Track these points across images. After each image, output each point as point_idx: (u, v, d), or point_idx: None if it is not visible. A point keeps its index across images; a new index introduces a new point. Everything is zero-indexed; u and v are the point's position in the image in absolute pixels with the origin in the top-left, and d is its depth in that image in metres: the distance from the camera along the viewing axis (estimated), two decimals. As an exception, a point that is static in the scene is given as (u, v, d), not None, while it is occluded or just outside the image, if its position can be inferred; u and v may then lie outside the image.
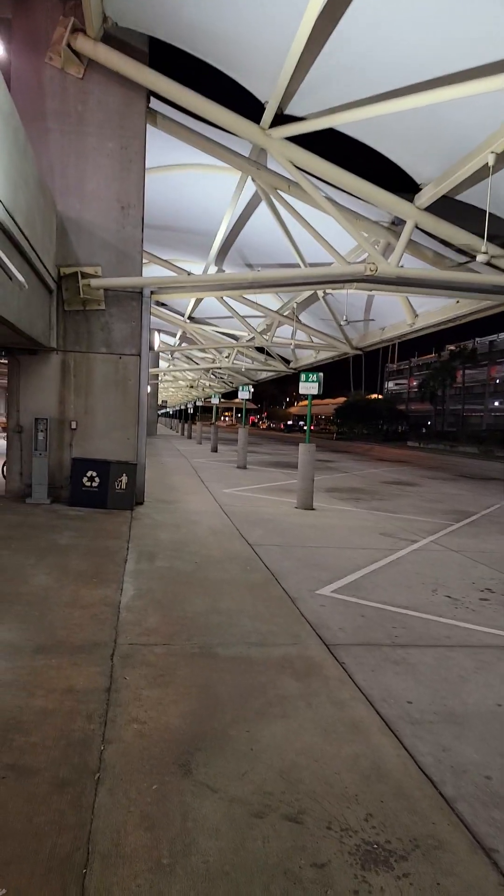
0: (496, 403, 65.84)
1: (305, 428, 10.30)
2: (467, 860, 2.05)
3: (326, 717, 2.98)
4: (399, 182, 9.73)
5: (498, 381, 66.22)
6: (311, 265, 11.21)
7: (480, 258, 8.84)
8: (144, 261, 11.92)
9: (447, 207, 9.79)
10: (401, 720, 3.00)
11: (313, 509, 9.67)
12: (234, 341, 20.09)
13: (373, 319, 15.66)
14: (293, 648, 3.84)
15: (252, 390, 18.15)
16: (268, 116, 8.32)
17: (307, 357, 21.75)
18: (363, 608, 4.76)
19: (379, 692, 3.29)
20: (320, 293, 14.90)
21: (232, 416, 74.68)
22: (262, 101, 8.43)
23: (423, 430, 57.01)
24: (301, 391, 9.53)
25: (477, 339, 65.10)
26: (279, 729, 2.84)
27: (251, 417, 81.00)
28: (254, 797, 2.32)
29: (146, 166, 8.74)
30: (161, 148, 9.99)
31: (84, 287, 8.04)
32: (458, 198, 9.58)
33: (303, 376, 9.55)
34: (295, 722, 2.91)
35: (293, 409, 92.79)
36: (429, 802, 2.35)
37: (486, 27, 6.27)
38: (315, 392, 9.44)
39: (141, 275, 8.86)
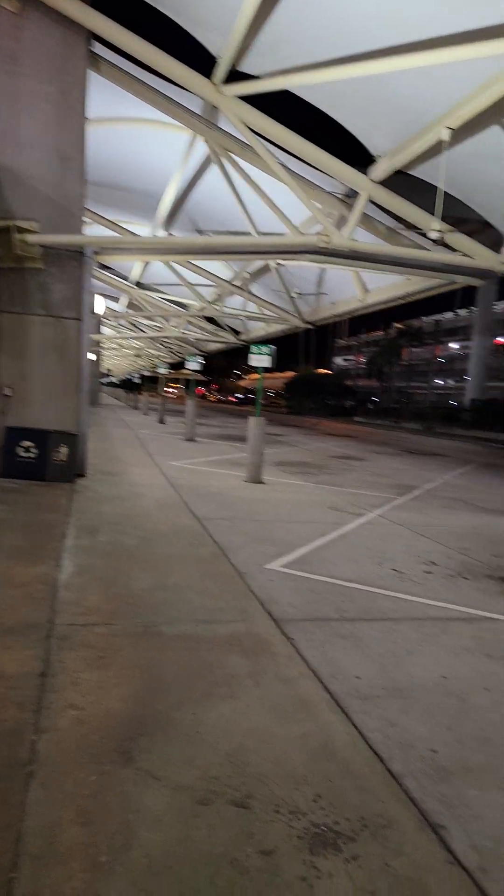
0: (438, 381, 67.63)
1: (256, 401, 10.17)
2: (416, 839, 2.02)
3: (275, 695, 2.91)
4: (355, 154, 9.58)
5: (442, 361, 67.93)
6: (263, 235, 10.96)
7: (432, 235, 8.83)
8: (87, 220, 11.37)
9: (402, 183, 9.71)
10: (349, 696, 2.96)
11: (262, 483, 9.62)
12: (182, 310, 19.62)
13: (325, 293, 15.56)
14: (241, 625, 3.75)
15: (202, 361, 17.81)
16: (221, 72, 7.94)
17: (258, 329, 21.54)
18: (312, 582, 4.72)
19: (328, 668, 3.25)
20: (272, 264, 14.66)
21: (181, 387, 73.84)
22: (215, 56, 8.04)
23: (370, 406, 57.99)
24: (252, 363, 9.37)
25: (423, 318, 66.36)
26: (226, 710, 2.75)
27: (199, 389, 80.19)
28: (199, 783, 2.22)
29: (90, 117, 8.21)
30: (107, 101, 9.43)
31: (19, 243, 7.53)
32: (414, 174, 9.52)
33: (253, 348, 9.38)
34: (243, 702, 2.83)
35: (243, 382, 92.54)
36: (377, 780, 2.32)
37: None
38: (266, 365, 9.29)
39: (82, 233, 8.40)
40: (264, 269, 15.65)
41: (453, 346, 65.41)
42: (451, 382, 65.35)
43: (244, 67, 8.16)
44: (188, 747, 2.43)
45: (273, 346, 9.52)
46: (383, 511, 8.15)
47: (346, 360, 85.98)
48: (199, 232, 14.49)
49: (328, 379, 64.87)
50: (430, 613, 4.26)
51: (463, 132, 7.91)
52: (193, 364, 17.53)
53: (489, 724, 2.80)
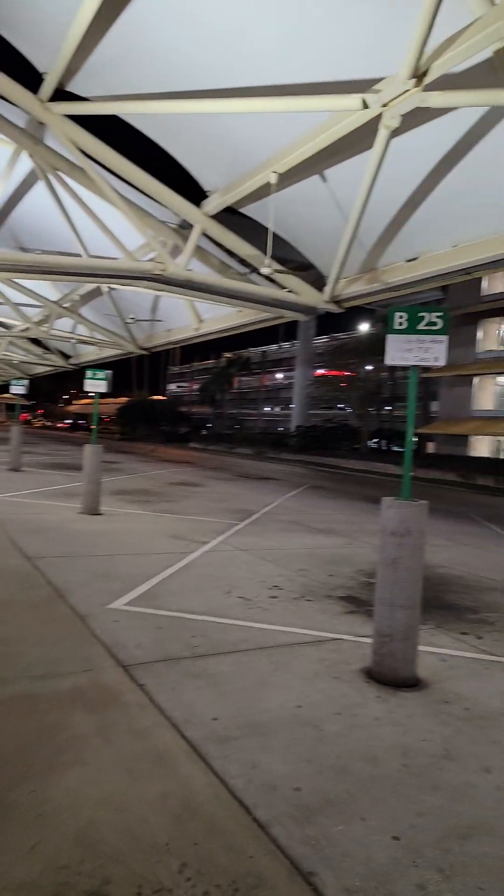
0: (267, 408, 71.20)
1: (92, 427, 9.70)
2: (288, 892, 1.93)
3: (128, 753, 2.66)
4: (190, 187, 9.74)
5: (269, 389, 71.73)
6: (95, 258, 10.63)
7: (264, 271, 9.27)
8: None
9: (236, 221, 10.09)
10: (208, 741, 2.82)
11: (100, 514, 9.14)
12: (4, 330, 18.26)
13: (160, 320, 15.52)
14: (85, 676, 3.42)
15: (27, 385, 16.67)
16: (47, 88, 7.58)
17: (90, 353, 20.78)
18: (159, 619, 4.51)
19: (182, 713, 3.07)
20: (105, 288, 14.27)
21: (2, 412, 68.55)
22: (42, 73, 7.69)
23: (204, 432, 58.96)
24: (87, 388, 8.93)
25: (251, 348, 69.68)
26: (73, 780, 2.44)
27: (23, 415, 75.17)
28: (46, 876, 1.91)
29: None
30: None
31: None
32: (247, 213, 9.94)
33: (88, 372, 8.97)
34: (92, 767, 2.54)
35: (73, 408, 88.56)
36: (244, 833, 2.20)
37: (275, 49, 6.53)
38: (102, 390, 8.93)
39: None
40: (96, 292, 15.18)
41: (279, 375, 69.41)
42: (278, 410, 69.11)
43: (73, 88, 7.92)
44: (29, 834, 2.10)
45: (109, 371, 9.19)
46: (226, 537, 8.18)
47: (179, 386, 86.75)
48: (24, 250, 13.64)
49: (162, 405, 64.78)
50: (280, 640, 4.29)
51: (289, 177, 8.43)
52: (18, 388, 16.33)
53: (344, 751, 2.84)
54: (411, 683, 3.66)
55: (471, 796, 2.53)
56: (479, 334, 33.32)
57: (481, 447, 34.35)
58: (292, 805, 2.38)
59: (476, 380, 33.77)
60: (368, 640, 4.26)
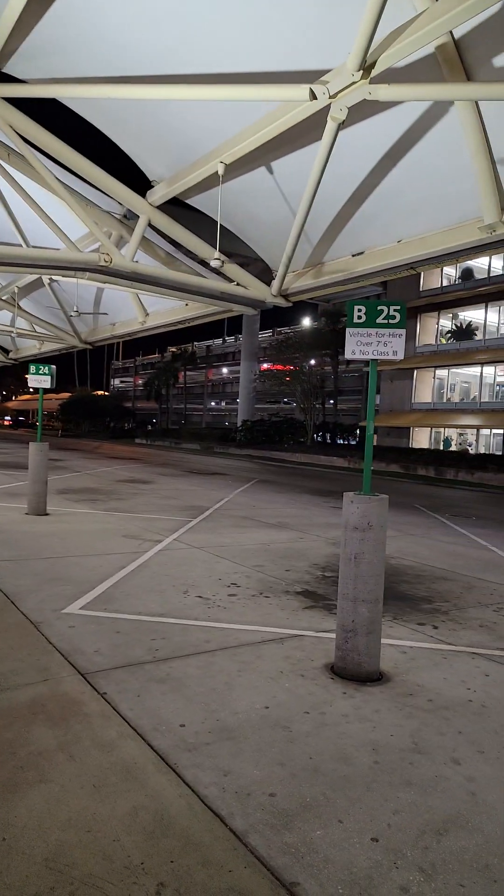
0: (213, 403, 70.94)
1: (37, 424, 9.33)
2: (272, 904, 1.88)
3: (94, 767, 2.54)
4: (134, 177, 9.50)
5: (214, 383, 71.47)
6: (35, 248, 10.22)
7: (213, 263, 9.14)
8: None
9: (182, 213, 9.92)
10: (177, 749, 2.73)
11: (47, 514, 8.81)
12: None
13: (105, 313, 15.12)
14: (43, 686, 3.26)
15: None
16: (-18, 68, 7.21)
17: (29, 347, 20.05)
18: (118, 623, 4.36)
19: (148, 721, 2.97)
20: (46, 279, 13.76)
21: None
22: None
23: (150, 428, 58.17)
24: (30, 384, 8.58)
25: (196, 343, 69.17)
26: (38, 800, 2.30)
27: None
28: (14, 910, 1.79)
29: None
30: None
31: None
32: (194, 205, 9.77)
33: (32, 368, 8.61)
34: (57, 784, 2.41)
35: (13, 404, 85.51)
36: (221, 846, 2.12)
37: (223, 37, 6.41)
38: (47, 385, 8.59)
39: None
40: (36, 284, 14.63)
41: (224, 370, 69.21)
42: (224, 404, 68.95)
43: (12, 70, 7.54)
44: (-6, 865, 1.96)
45: (53, 366, 8.86)
46: (179, 535, 8.05)
47: (123, 381, 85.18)
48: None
49: (106, 400, 63.45)
50: (243, 639, 4.23)
51: (236, 169, 8.32)
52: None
53: (315, 751, 2.81)
54: (375, 678, 3.68)
55: (443, 790, 2.55)
56: (419, 328, 34.25)
57: (422, 439, 35.39)
58: (269, 812, 2.33)
59: (416, 373, 34.72)
60: (330, 636, 4.27)
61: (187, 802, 2.34)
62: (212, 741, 2.81)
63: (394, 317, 3.83)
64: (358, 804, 2.41)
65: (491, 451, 31.90)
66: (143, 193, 9.43)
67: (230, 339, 67.32)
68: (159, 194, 9.30)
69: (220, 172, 8.11)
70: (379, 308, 3.84)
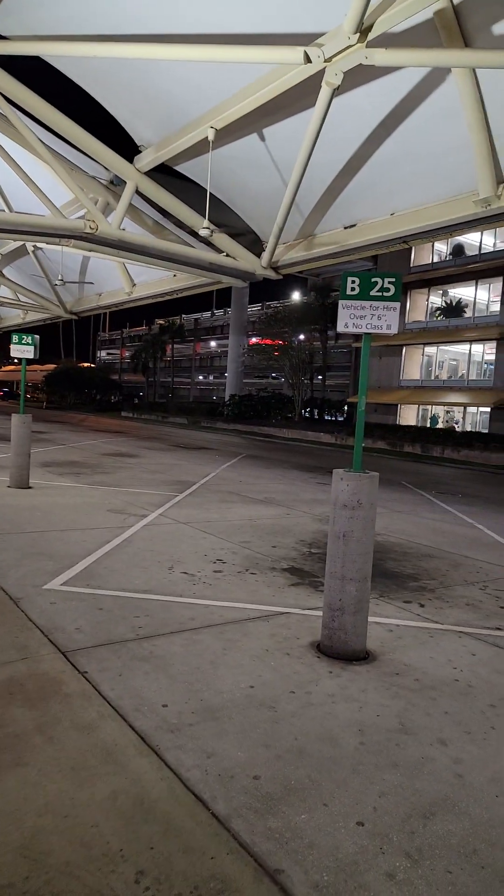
0: (201, 377, 70.42)
1: (20, 395, 9.13)
2: (254, 895, 1.82)
3: (73, 749, 2.47)
4: (122, 142, 9.15)
5: (202, 357, 70.87)
6: (19, 213, 9.86)
7: (202, 232, 8.89)
8: None
9: (171, 182, 9.61)
10: (159, 730, 2.66)
11: (30, 487, 8.67)
12: None
13: (91, 283, 14.75)
14: (22, 665, 3.17)
15: None
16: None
17: (13, 317, 19.61)
18: (100, 599, 4.28)
19: (131, 701, 2.90)
20: (30, 247, 13.35)
21: None
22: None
23: (136, 401, 57.64)
24: (13, 354, 8.35)
25: (184, 315, 68.29)
26: (14, 784, 2.23)
27: None
28: (-14, 901, 1.71)
29: None
30: None
31: None
32: (183, 172, 9.46)
33: (15, 337, 8.38)
34: (34, 768, 2.33)
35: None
36: (203, 831, 2.07)
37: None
38: (31, 356, 8.37)
39: None
40: (20, 252, 14.20)
41: (212, 344, 68.53)
42: (212, 378, 68.43)
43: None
44: (-34, 853, 1.88)
45: (36, 336, 8.62)
46: (165, 510, 7.95)
47: (109, 353, 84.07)
48: None
49: (92, 373, 62.64)
50: (228, 616, 4.17)
51: (227, 135, 8.03)
52: None
53: (301, 731, 2.76)
54: (362, 657, 3.64)
55: (429, 771, 2.51)
56: (408, 304, 34.02)
57: (409, 416, 35.44)
58: (252, 795, 2.27)
59: (405, 350, 34.60)
60: (316, 613, 4.23)
61: (168, 786, 2.28)
62: (195, 722, 2.75)
63: (388, 289, 3.70)
64: (343, 787, 2.37)
65: (477, 430, 32.05)
66: (130, 159, 9.11)
67: (219, 313, 66.47)
68: (147, 160, 8.98)
69: (211, 138, 7.81)
70: (373, 280, 3.70)
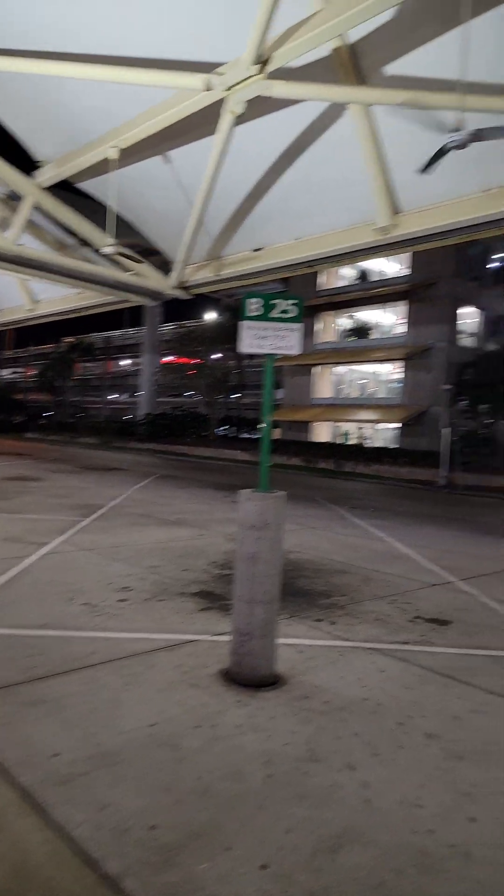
0: (113, 396, 68.93)
1: None
2: None
3: None
4: (19, 157, 8.84)
5: (115, 376, 69.49)
6: None
7: (106, 250, 8.73)
8: None
9: (75, 200, 9.41)
10: (46, 784, 2.42)
11: None
12: None
13: (-13, 298, 14.04)
14: None
15: None
16: None
17: None
18: (-10, 639, 3.93)
19: (16, 753, 2.63)
20: None
21: None
22: None
23: (43, 422, 55.39)
24: None
25: (93, 334, 66.77)
26: None
27: None
28: None
29: None
30: None
31: None
32: (87, 190, 9.28)
33: None
34: None
35: None
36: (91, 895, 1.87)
37: (115, 16, 6.12)
38: None
39: None
40: None
41: (124, 362, 67.37)
42: (125, 397, 67.14)
43: None
44: None
45: None
46: (68, 536, 7.56)
47: (14, 372, 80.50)
48: None
49: (-6, 392, 59.71)
50: (131, 649, 3.95)
51: (132, 155, 7.95)
52: None
53: (205, 769, 2.61)
54: (271, 681, 3.54)
55: (338, 799, 2.44)
56: (318, 326, 35.11)
57: (322, 433, 36.35)
58: (148, 848, 2.09)
59: (316, 369, 35.57)
60: (225, 638, 4.10)
61: (53, 849, 2.06)
62: (89, 770, 2.54)
63: (289, 311, 3.71)
64: (248, 826, 2.24)
65: (386, 445, 33.38)
66: (28, 174, 8.81)
67: (131, 331, 65.57)
68: (47, 175, 8.72)
69: (114, 157, 7.71)
70: (274, 302, 3.70)
